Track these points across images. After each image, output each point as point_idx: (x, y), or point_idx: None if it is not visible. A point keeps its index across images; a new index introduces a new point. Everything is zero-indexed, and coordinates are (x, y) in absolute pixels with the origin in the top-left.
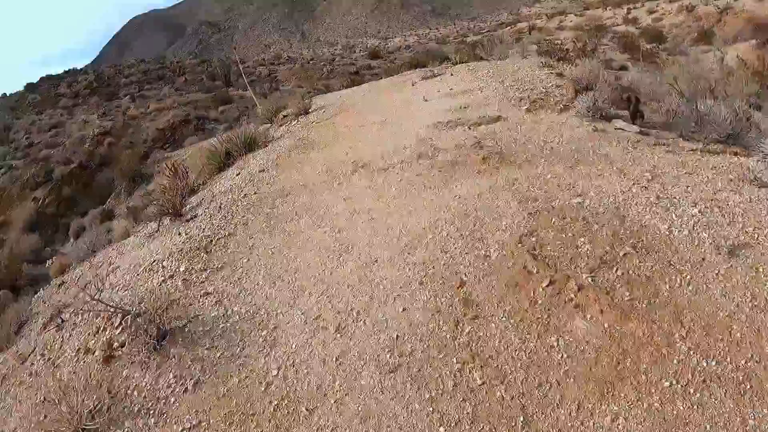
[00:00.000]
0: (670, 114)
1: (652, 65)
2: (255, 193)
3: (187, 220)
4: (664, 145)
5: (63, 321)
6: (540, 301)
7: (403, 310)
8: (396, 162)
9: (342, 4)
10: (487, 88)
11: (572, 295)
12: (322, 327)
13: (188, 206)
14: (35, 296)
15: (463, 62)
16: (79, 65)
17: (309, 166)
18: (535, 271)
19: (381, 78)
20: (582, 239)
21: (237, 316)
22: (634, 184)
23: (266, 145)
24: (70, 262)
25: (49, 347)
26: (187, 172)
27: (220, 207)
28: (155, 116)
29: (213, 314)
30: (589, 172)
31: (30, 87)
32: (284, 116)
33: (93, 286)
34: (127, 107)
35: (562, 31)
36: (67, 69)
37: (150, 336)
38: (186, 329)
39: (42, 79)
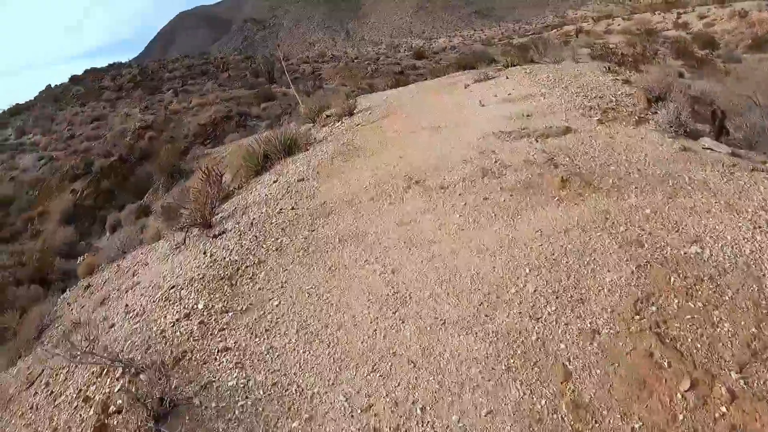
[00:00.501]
0: (755, 130)
1: (710, 73)
2: (292, 208)
3: (215, 236)
4: (763, 171)
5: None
6: (681, 417)
7: (488, 413)
8: (456, 179)
9: (386, 3)
10: (551, 94)
11: (724, 409)
12: (374, 428)
13: (219, 215)
14: (61, 297)
15: (515, 65)
16: (125, 59)
17: (354, 177)
18: (665, 364)
19: (427, 78)
20: (716, 312)
21: (261, 391)
22: (754, 227)
23: (307, 149)
24: (100, 263)
25: (55, 376)
26: (221, 176)
27: (251, 223)
28: (197, 111)
29: (231, 383)
30: (694, 206)
31: (74, 79)
32: (327, 116)
33: (92, 327)
34: (169, 101)
35: (611, 35)
36: (111, 63)
37: (150, 409)
38: (195, 402)
39: (87, 71)
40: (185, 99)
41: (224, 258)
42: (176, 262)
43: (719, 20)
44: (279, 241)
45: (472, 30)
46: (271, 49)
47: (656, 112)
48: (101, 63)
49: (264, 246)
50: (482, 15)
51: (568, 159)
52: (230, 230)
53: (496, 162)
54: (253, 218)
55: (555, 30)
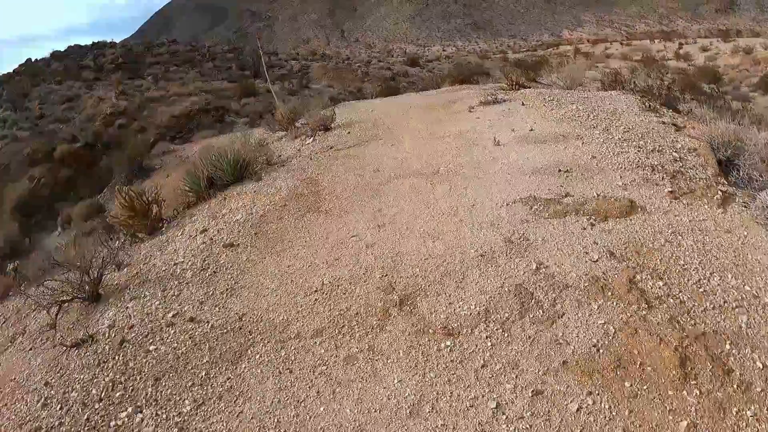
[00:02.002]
0: None
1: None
2: (191, 320)
3: (80, 342)
4: None
5: None
6: None
7: None
8: (473, 313)
9: (384, 7)
10: (589, 138)
11: None
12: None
13: (117, 279)
14: None
15: (519, 84)
16: (120, 37)
17: (302, 261)
18: None
19: (419, 89)
20: None
21: None
22: None
23: (261, 176)
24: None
25: None
26: (149, 205)
27: (121, 343)
28: (174, 101)
29: None
30: None
31: (56, 55)
32: (302, 125)
33: None
34: (147, 88)
35: (611, 59)
36: (95, 41)
37: None
38: None
39: (70, 47)
40: (164, 87)
41: (75, 399)
42: (36, 364)
43: (722, 54)
44: (151, 393)
45: (467, 41)
46: (263, 42)
47: (734, 183)
48: (97, 38)
49: (130, 397)
50: (478, 27)
51: (660, 281)
52: (101, 337)
53: (539, 273)
54: (133, 324)
55: (551, 48)
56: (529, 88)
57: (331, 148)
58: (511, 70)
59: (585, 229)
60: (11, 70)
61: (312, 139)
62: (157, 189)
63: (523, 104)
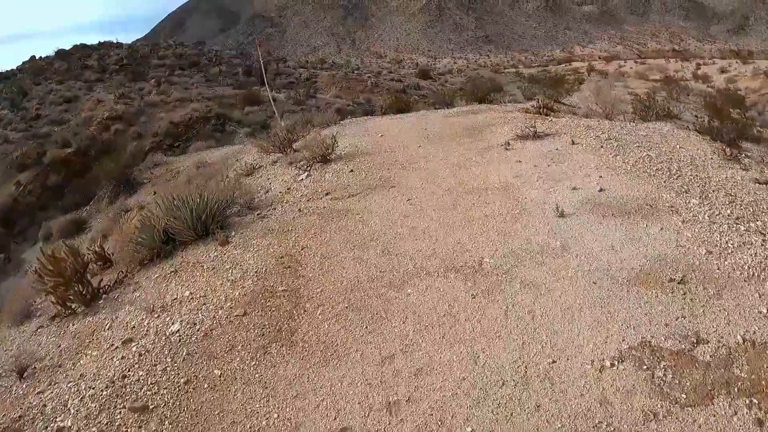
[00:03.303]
0: None
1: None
2: None
3: None
4: None
5: None
6: None
7: None
8: None
9: (396, 17)
10: (687, 211)
11: None
12: None
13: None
14: None
15: (549, 108)
16: (132, 38)
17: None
18: None
19: (430, 103)
20: None
21: None
22: None
23: (232, 232)
24: None
25: None
26: (83, 270)
27: None
28: (175, 107)
29: None
30: None
31: (61, 54)
32: (298, 150)
33: None
34: (148, 91)
35: (628, 79)
36: (103, 40)
37: None
38: None
39: (75, 46)
40: (166, 91)
41: None
42: None
43: (742, 77)
44: None
45: (477, 54)
46: (273, 48)
47: None
48: (109, 37)
49: None
50: (489, 40)
51: None
52: None
53: None
54: None
55: (564, 64)
56: (559, 112)
57: (327, 194)
58: (535, 90)
59: None
60: (14, 67)
61: (306, 174)
62: (102, 242)
63: (573, 143)
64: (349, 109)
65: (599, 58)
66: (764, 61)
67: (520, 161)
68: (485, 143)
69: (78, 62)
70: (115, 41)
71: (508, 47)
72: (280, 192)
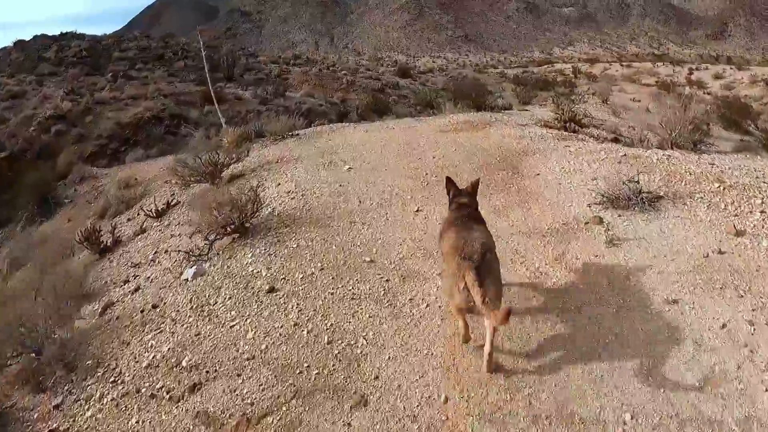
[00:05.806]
0: None
1: None
2: None
3: None
4: None
5: None
6: None
7: None
8: None
9: (376, 15)
10: None
11: None
12: None
13: None
14: None
15: (576, 122)
16: (109, 30)
17: None
18: None
19: (411, 105)
20: None
21: None
22: None
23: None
24: None
25: None
26: None
27: None
28: (127, 104)
29: None
30: None
31: (20, 45)
32: (233, 176)
33: None
34: (102, 87)
35: (619, 82)
36: (64, 32)
37: None
38: None
39: (35, 37)
40: (121, 87)
41: None
42: None
43: (739, 84)
44: None
45: (457, 53)
46: (251, 43)
47: None
48: (87, 30)
49: None
50: (469, 40)
51: None
52: None
53: None
54: None
55: (545, 66)
56: (589, 127)
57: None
58: (534, 94)
59: None
60: None
61: (194, 268)
62: None
63: (736, 232)
64: (321, 110)
65: (579, 60)
66: (759, 68)
67: (670, 299)
68: (541, 206)
69: (35, 54)
70: (77, 32)
71: (488, 48)
72: (126, 325)
